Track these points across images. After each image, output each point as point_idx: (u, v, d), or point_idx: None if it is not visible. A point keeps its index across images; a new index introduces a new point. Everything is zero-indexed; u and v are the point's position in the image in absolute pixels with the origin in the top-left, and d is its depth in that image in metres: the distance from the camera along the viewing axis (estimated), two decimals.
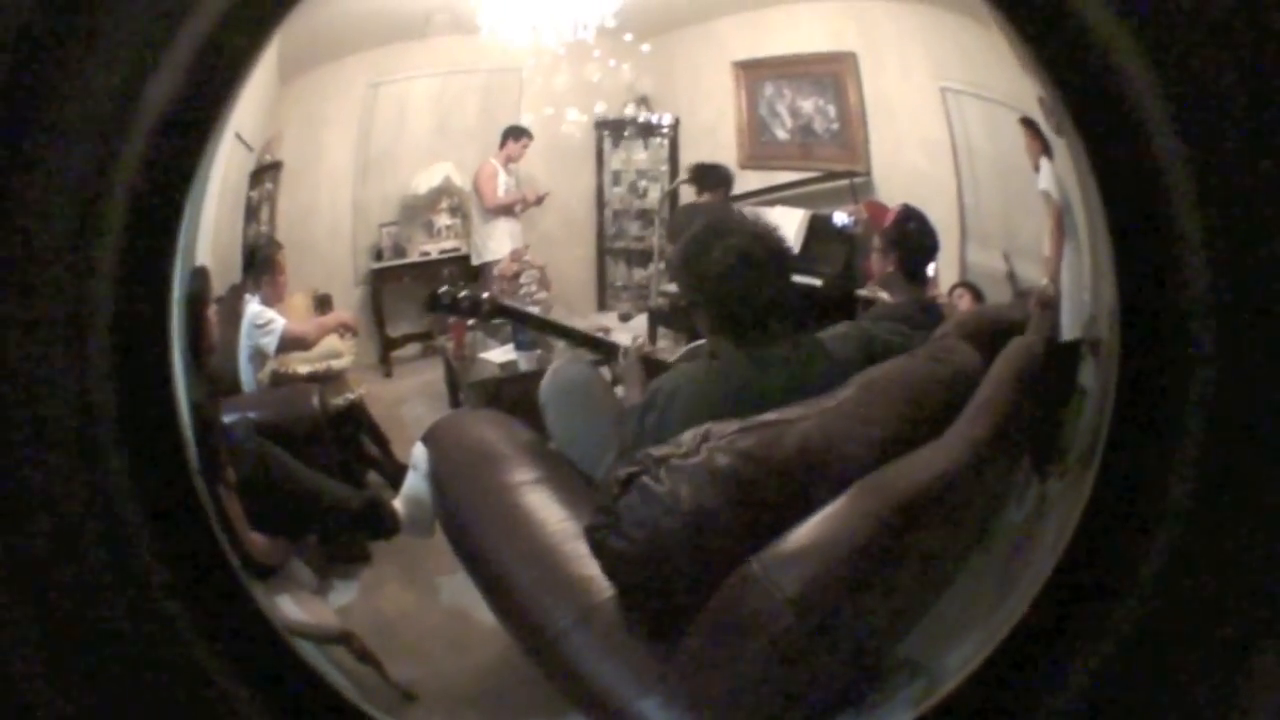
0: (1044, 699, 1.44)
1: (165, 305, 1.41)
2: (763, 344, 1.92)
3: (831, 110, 2.13)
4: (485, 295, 2.20)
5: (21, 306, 1.25)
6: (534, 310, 2.29)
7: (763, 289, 1.93)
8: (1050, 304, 1.61)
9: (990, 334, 1.69)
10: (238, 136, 1.69)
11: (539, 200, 2.24)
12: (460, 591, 2.02)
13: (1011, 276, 1.75)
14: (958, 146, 1.82)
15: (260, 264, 1.98)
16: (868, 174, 2.06)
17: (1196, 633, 1.37)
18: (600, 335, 2.23)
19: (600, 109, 2.13)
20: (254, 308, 2.01)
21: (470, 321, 2.30)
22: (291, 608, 1.83)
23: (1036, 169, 1.56)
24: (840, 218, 2.15)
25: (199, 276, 1.66)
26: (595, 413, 2.20)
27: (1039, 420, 1.60)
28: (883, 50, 1.96)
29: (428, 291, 2.21)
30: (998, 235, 1.78)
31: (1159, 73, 1.27)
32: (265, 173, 1.90)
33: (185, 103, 1.34)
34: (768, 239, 1.96)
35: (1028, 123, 1.53)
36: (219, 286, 1.79)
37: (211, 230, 1.69)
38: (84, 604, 1.33)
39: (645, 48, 2.01)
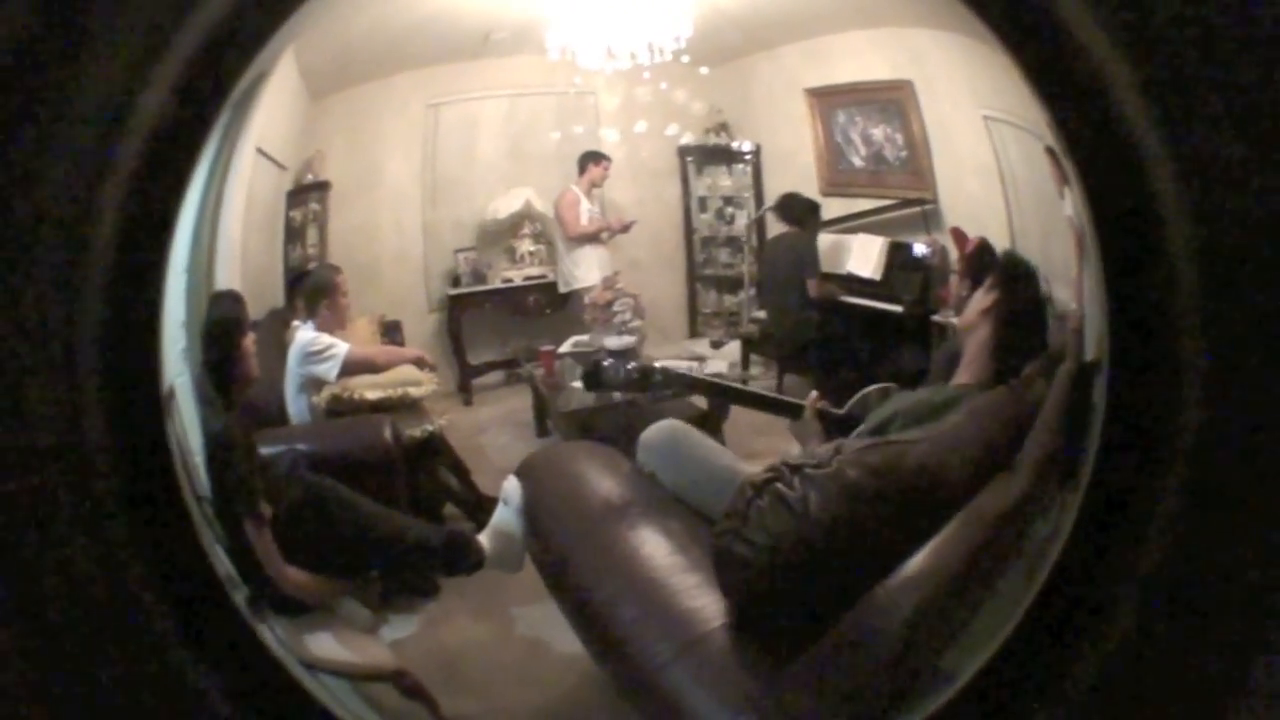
0: (1040, 705, 1.45)
1: (155, 324, 1.38)
2: None
3: (899, 138, 2.07)
4: (657, 365, 2.14)
5: (9, 320, 1.24)
6: (687, 368, 2.25)
7: None
8: (1078, 328, 1.56)
9: (1051, 364, 1.65)
10: (262, 152, 1.65)
11: (626, 228, 2.18)
12: (538, 623, 2.00)
13: (1050, 299, 1.70)
14: (1004, 173, 1.77)
15: (315, 289, 1.93)
16: (935, 202, 2.00)
17: (1192, 641, 1.39)
18: (782, 397, 2.17)
19: (678, 133, 2.04)
20: (306, 334, 1.96)
21: (557, 353, 2.21)
22: (331, 646, 1.77)
23: (1061, 196, 1.51)
24: (920, 248, 2.10)
25: (226, 301, 1.63)
26: (705, 459, 2.11)
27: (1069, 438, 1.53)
28: (933, 78, 1.91)
29: (589, 367, 2.16)
30: (1038, 258, 1.74)
31: (1148, 93, 1.28)
32: (308, 192, 1.84)
33: (175, 115, 1.32)
34: None
35: (1050, 151, 1.49)
36: (255, 311, 1.74)
37: (238, 252, 1.65)
38: (76, 635, 1.33)
39: (713, 68, 1.97)
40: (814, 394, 2.07)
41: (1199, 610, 1.39)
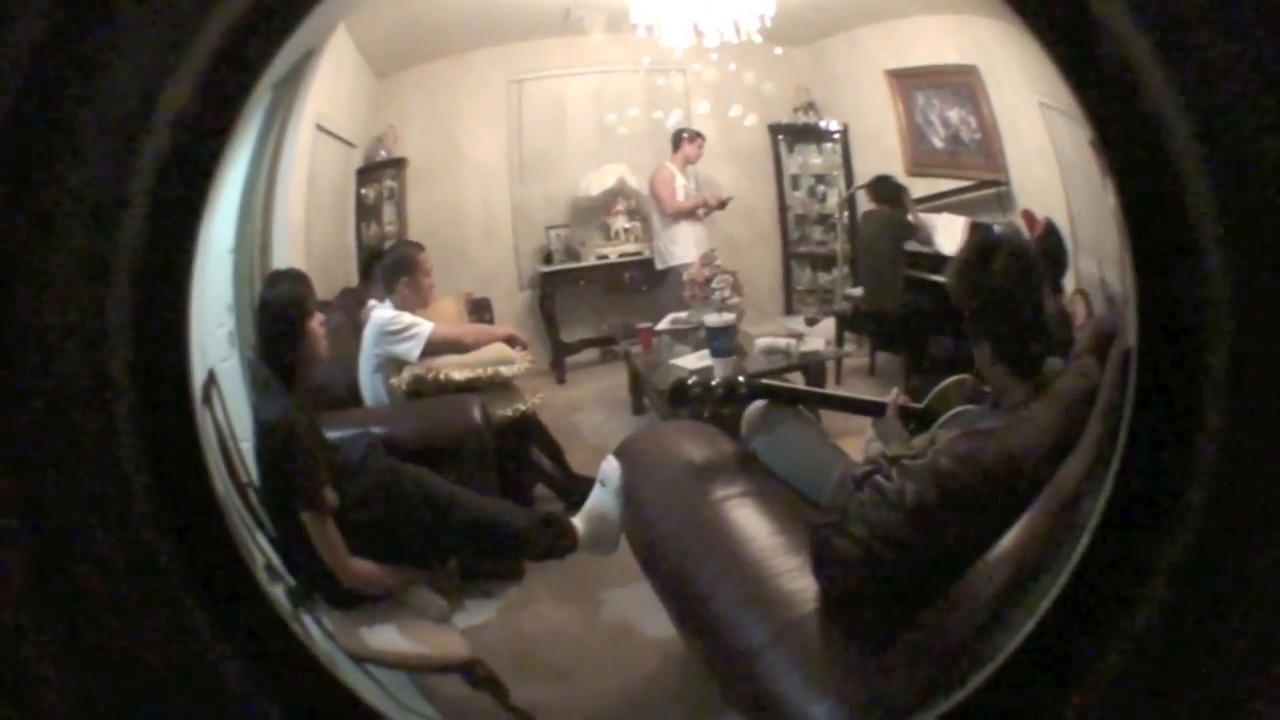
0: (1060, 700, 1.44)
1: (185, 310, 1.36)
2: None
3: (973, 120, 2.05)
4: (741, 378, 2.13)
5: (38, 310, 1.24)
6: (783, 344, 2.26)
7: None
8: (1124, 313, 1.53)
9: (1104, 345, 1.63)
10: (324, 130, 1.64)
11: (722, 204, 2.16)
12: (624, 606, 1.98)
13: (1104, 283, 1.67)
14: (1060, 159, 1.75)
15: (394, 266, 1.92)
16: (1008, 184, 1.99)
17: (1218, 630, 1.37)
18: (864, 397, 2.14)
19: (770, 112, 2.04)
20: (385, 313, 1.94)
21: (655, 330, 2.19)
22: (393, 638, 1.76)
23: (1104, 186, 1.49)
24: (997, 229, 2.06)
25: (286, 281, 1.62)
26: (806, 439, 2.13)
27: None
28: (995, 64, 1.90)
29: (674, 384, 2.16)
30: (1093, 243, 1.69)
31: (1176, 76, 1.27)
32: (381, 169, 1.83)
33: (204, 98, 1.31)
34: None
35: (1092, 143, 1.47)
36: (324, 291, 1.73)
37: (301, 231, 1.64)
38: (107, 626, 1.33)
39: (797, 48, 1.99)
40: (895, 391, 2.06)
41: (1226, 599, 1.37)
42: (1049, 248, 1.82)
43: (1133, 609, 1.39)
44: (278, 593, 1.48)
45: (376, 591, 1.76)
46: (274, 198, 1.54)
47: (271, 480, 1.54)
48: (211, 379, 1.41)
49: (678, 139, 2.08)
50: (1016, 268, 1.82)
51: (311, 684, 1.48)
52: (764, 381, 2.15)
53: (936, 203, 2.15)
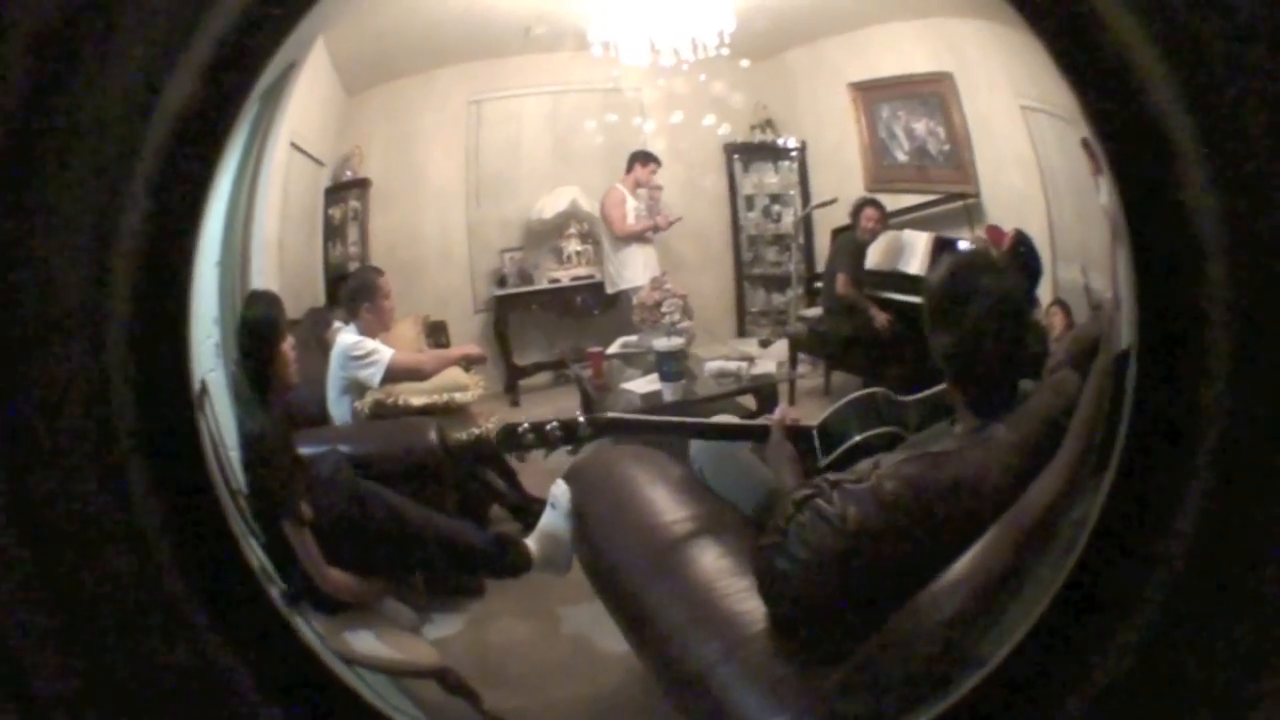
0: (1058, 701, 1.46)
1: (186, 313, 1.38)
2: None
3: (941, 132, 2.04)
4: (581, 418, 2.06)
5: (38, 312, 1.24)
6: (644, 419, 2.24)
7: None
8: (1111, 319, 1.56)
9: (1086, 356, 1.63)
10: (297, 148, 1.64)
11: (671, 224, 2.14)
12: (584, 623, 2.01)
13: (1087, 290, 1.68)
14: (1041, 165, 1.76)
15: (356, 291, 1.93)
16: (977, 196, 1.98)
17: (1218, 629, 1.39)
18: (741, 422, 2.16)
19: (726, 131, 2.03)
20: (349, 337, 1.95)
21: (605, 354, 2.20)
22: (374, 644, 1.77)
23: (1097, 187, 1.51)
24: (963, 244, 2.04)
25: (262, 303, 1.62)
26: (753, 462, 2.11)
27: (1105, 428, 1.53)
28: (972, 69, 1.89)
29: (500, 432, 2.05)
30: (1075, 249, 1.71)
31: (1180, 79, 1.28)
32: (347, 190, 1.83)
33: (202, 100, 1.32)
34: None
35: (1084, 142, 1.49)
36: (294, 310, 1.73)
37: (275, 248, 1.64)
38: (110, 625, 1.33)
39: (756, 63, 1.96)
40: (781, 407, 2.14)
41: (1226, 598, 1.38)
42: (1021, 261, 1.82)
43: (1134, 606, 1.41)
44: (275, 594, 1.47)
45: (351, 600, 1.76)
46: (253, 212, 1.54)
47: (255, 490, 1.55)
48: (203, 387, 1.41)
49: (632, 162, 2.07)
50: (995, 311, 1.81)
51: (310, 681, 1.47)
52: (611, 416, 2.14)
53: (900, 219, 2.14)
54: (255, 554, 1.47)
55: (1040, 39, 1.40)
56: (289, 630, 1.50)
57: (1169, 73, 1.27)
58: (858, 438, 1.94)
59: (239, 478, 1.50)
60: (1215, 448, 1.33)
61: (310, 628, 1.55)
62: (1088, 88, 1.37)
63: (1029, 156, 1.78)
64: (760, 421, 2.07)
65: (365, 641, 1.74)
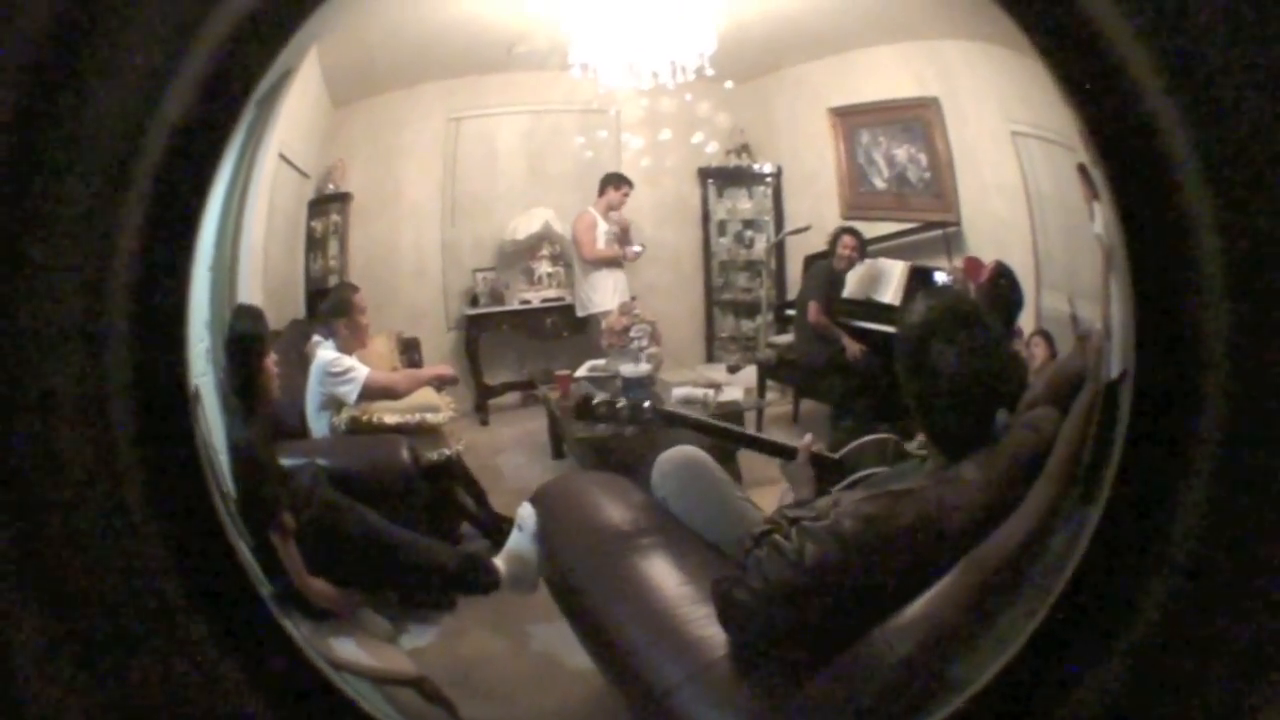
0: (1053, 713, 1.43)
1: (183, 317, 1.36)
2: None
3: (923, 159, 2.05)
4: (647, 404, 2.12)
5: (37, 320, 1.23)
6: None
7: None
8: (1100, 349, 1.55)
9: (1069, 390, 1.63)
10: (284, 159, 1.64)
11: (634, 257, 2.15)
12: (553, 640, 2.01)
13: (1074, 319, 1.68)
14: (1030, 192, 1.76)
15: (332, 308, 1.94)
16: (958, 224, 1.99)
17: (1209, 650, 1.36)
18: (775, 439, 2.14)
19: (702, 154, 2.05)
20: (327, 354, 1.97)
21: (573, 377, 2.21)
22: (355, 651, 1.77)
23: (1091, 214, 1.49)
24: (940, 276, 2.05)
25: (247, 318, 1.63)
26: (714, 490, 2.11)
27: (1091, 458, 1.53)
28: (960, 94, 1.88)
29: (580, 400, 2.18)
30: (1063, 278, 1.71)
31: (1182, 102, 1.27)
32: (329, 203, 1.84)
33: (199, 114, 1.30)
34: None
35: (1081, 168, 1.47)
36: (276, 321, 1.74)
37: (260, 260, 1.64)
38: (105, 629, 1.31)
39: (736, 87, 1.96)
40: (809, 437, 2.07)
41: (1218, 620, 1.37)
42: (999, 293, 1.83)
43: (1125, 629, 1.40)
44: (267, 599, 1.47)
45: (331, 608, 1.77)
46: (242, 221, 1.54)
47: (241, 497, 1.55)
48: (196, 393, 1.41)
49: (604, 185, 2.09)
50: (970, 366, 1.80)
51: (305, 686, 1.47)
52: (668, 409, 2.17)
53: (876, 247, 2.14)
54: (247, 558, 1.46)
55: (1039, 54, 1.40)
56: (285, 635, 1.49)
57: (1170, 89, 1.27)
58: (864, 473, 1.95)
59: (229, 483, 1.50)
60: (1211, 476, 1.33)
61: (300, 633, 1.54)
62: (1086, 104, 1.36)
63: (1016, 183, 1.77)
64: (791, 443, 2.07)
65: (347, 648, 1.75)
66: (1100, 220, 1.45)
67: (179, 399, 1.35)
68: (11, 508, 1.24)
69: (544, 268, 2.26)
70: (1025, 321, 1.78)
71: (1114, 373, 1.46)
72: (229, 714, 1.37)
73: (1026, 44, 1.40)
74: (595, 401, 2.09)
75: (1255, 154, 1.25)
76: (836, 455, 2.03)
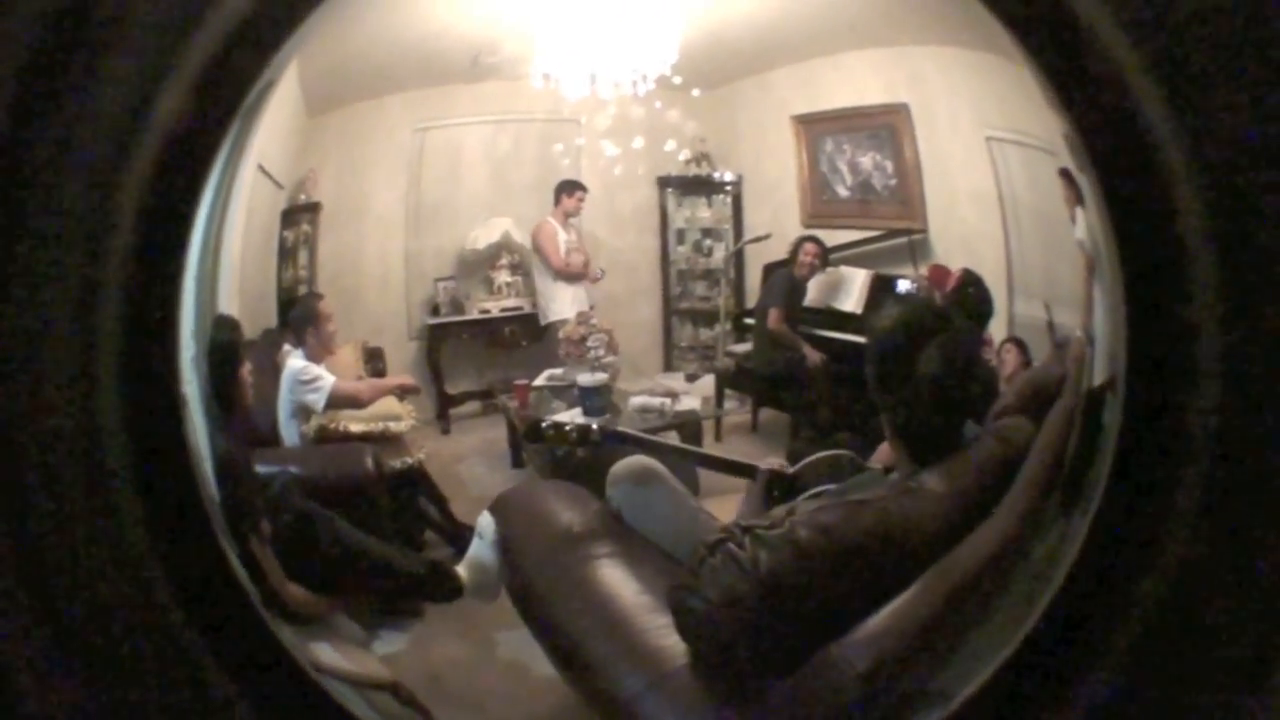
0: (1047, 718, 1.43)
1: (175, 324, 1.38)
2: None
3: (889, 166, 2.06)
4: (595, 425, 2.13)
5: (27, 328, 1.24)
6: (645, 436, 2.21)
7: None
8: (1081, 357, 1.57)
9: (1042, 399, 1.64)
10: (261, 169, 1.65)
11: (595, 280, 2.18)
12: (519, 647, 2.01)
13: (1051, 326, 1.70)
14: (1004, 197, 1.76)
15: (300, 318, 1.95)
16: (924, 231, 2.00)
17: (1206, 653, 1.38)
18: (737, 459, 2.15)
19: (661, 164, 2.05)
20: (297, 362, 1.98)
21: (531, 386, 2.22)
22: (333, 655, 1.78)
23: (1073, 219, 1.50)
24: (904, 284, 2.08)
25: (225, 327, 1.63)
26: (669, 500, 2.12)
27: (1072, 466, 1.55)
28: (932, 100, 1.89)
29: (529, 425, 2.19)
30: (1039, 285, 1.73)
31: (1174, 105, 1.28)
32: (300, 213, 1.85)
33: (192, 121, 1.31)
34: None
35: (1063, 172, 1.49)
36: (251, 330, 1.75)
37: (238, 270, 1.65)
38: (95, 635, 1.33)
39: (699, 95, 1.96)
40: (772, 460, 2.08)
41: (1209, 628, 1.38)
42: (967, 300, 1.85)
43: (1113, 638, 1.41)
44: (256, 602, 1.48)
45: (310, 614, 1.78)
46: (223, 230, 1.54)
47: (223, 503, 1.56)
48: (183, 400, 1.42)
49: (559, 192, 2.10)
50: (941, 376, 1.79)
51: (293, 690, 1.48)
52: (618, 429, 2.17)
53: (839, 255, 2.17)
54: (234, 563, 1.47)
55: (1025, 53, 1.40)
56: (275, 640, 1.51)
57: (1160, 90, 1.29)
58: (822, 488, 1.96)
59: (214, 490, 1.50)
60: (1204, 479, 1.34)
61: (285, 637, 1.55)
62: (1074, 103, 1.37)
63: (989, 190, 1.78)
64: (749, 462, 2.09)
65: (325, 653, 1.75)
66: (1082, 225, 1.47)
67: (170, 406, 1.36)
68: (3, 514, 1.24)
69: (503, 277, 2.28)
70: (996, 329, 1.79)
71: (1098, 380, 1.48)
72: (220, 717, 1.36)
73: (1011, 48, 1.40)
74: (544, 425, 2.09)
75: (1248, 155, 1.27)
76: (790, 471, 2.05)
